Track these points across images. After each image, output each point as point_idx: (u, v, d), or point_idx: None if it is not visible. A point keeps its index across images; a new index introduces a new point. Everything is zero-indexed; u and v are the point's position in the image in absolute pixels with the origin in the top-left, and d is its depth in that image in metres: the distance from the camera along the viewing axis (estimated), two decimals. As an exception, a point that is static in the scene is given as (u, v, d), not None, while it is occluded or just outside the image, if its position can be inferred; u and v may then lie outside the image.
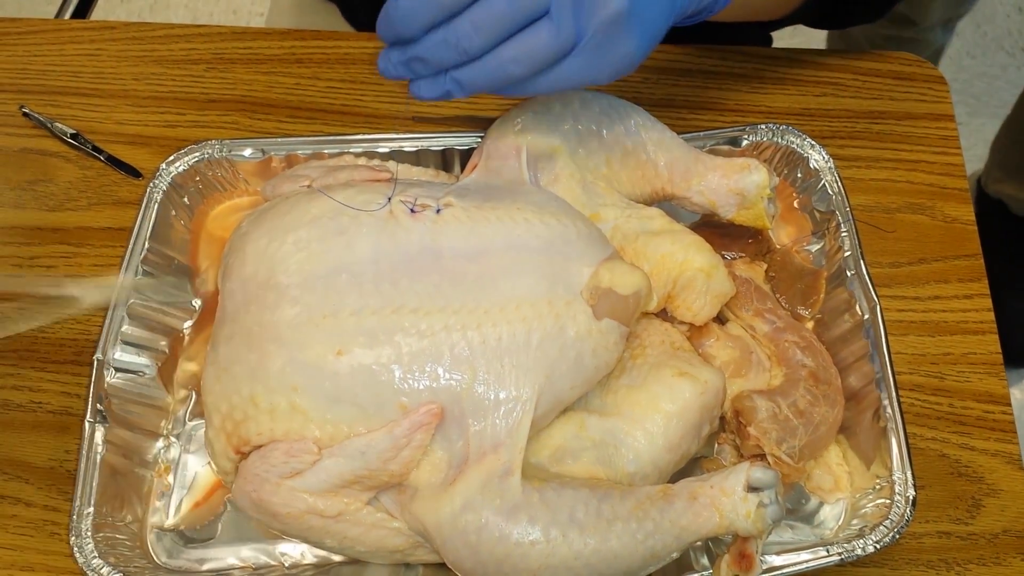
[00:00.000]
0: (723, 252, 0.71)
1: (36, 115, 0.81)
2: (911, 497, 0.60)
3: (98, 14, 1.12)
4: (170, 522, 0.65)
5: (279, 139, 0.73)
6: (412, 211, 0.60)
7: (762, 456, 0.63)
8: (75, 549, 0.60)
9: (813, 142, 0.73)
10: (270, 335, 0.58)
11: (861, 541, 0.60)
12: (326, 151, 0.72)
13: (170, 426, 0.68)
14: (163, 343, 0.69)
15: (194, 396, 0.69)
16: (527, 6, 0.51)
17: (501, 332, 0.57)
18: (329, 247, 0.59)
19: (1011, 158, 1.41)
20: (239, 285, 0.60)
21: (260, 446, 0.57)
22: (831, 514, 0.65)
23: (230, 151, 0.72)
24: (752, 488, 0.56)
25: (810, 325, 0.70)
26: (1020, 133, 1.39)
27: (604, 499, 0.55)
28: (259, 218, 0.63)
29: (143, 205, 0.70)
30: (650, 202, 0.70)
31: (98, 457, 0.62)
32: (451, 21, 0.52)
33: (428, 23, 0.52)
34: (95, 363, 0.65)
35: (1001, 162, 1.44)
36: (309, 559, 0.64)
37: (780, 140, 0.73)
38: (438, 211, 0.61)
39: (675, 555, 0.56)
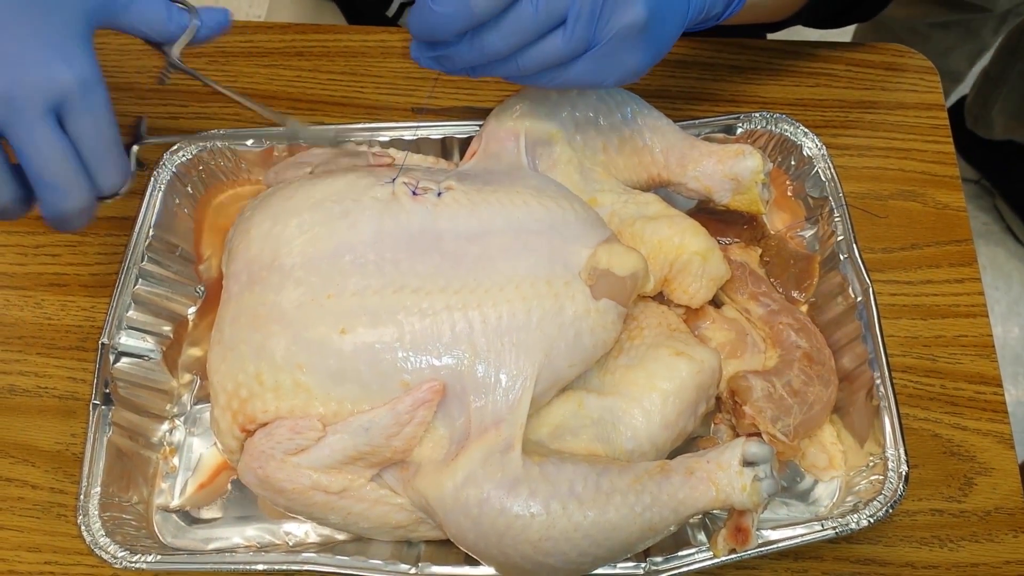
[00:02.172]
0: (719, 237, 0.72)
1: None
2: (904, 473, 0.61)
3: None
4: (175, 503, 0.66)
5: (281, 128, 0.74)
6: (414, 194, 0.62)
7: (758, 435, 0.64)
8: (82, 528, 0.61)
9: (806, 130, 0.74)
10: (275, 315, 0.59)
11: (855, 516, 0.61)
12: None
13: (175, 409, 0.69)
14: (167, 328, 0.70)
15: (198, 380, 0.70)
16: (549, 20, 0.54)
17: (501, 311, 0.58)
18: (332, 229, 0.60)
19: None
20: (244, 267, 0.61)
21: (265, 424, 0.58)
22: (825, 491, 0.66)
23: (232, 140, 0.73)
24: (747, 462, 0.57)
25: (804, 308, 0.72)
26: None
27: (603, 473, 0.56)
28: (263, 202, 0.64)
29: (147, 194, 0.71)
30: (647, 188, 0.71)
31: (104, 439, 0.63)
32: (480, 30, 0.55)
33: (460, 30, 0.55)
34: (101, 347, 0.66)
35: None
36: (313, 538, 0.65)
37: (774, 128, 0.74)
38: (439, 194, 0.62)
39: (672, 528, 0.57)
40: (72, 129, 0.53)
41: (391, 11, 0.96)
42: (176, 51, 0.59)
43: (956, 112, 1.63)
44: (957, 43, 1.48)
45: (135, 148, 0.60)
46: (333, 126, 0.71)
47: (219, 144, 0.73)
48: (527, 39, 0.55)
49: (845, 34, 1.61)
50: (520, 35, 0.54)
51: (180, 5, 0.58)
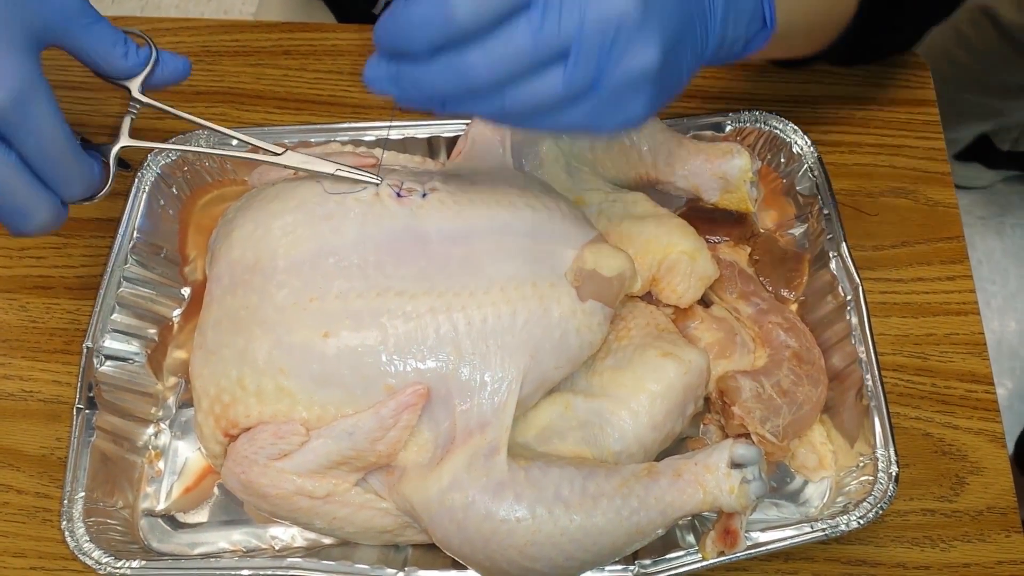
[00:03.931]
0: (707, 236, 0.71)
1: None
2: (894, 474, 0.61)
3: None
4: (161, 507, 0.66)
5: (266, 128, 0.73)
6: (398, 195, 0.61)
7: (747, 435, 0.64)
8: (66, 534, 0.60)
9: (796, 127, 0.73)
10: (257, 318, 0.58)
11: (845, 517, 0.60)
12: (312, 140, 0.73)
13: (160, 413, 0.69)
14: (152, 331, 0.70)
15: (183, 383, 0.70)
16: (550, 50, 0.45)
17: (486, 314, 0.58)
18: (315, 232, 0.60)
19: None
20: (226, 270, 0.61)
21: (248, 428, 0.58)
22: (815, 492, 0.65)
23: (218, 141, 0.73)
24: (736, 464, 0.56)
25: (794, 307, 0.71)
26: None
27: (589, 477, 0.56)
28: (246, 204, 0.64)
29: (131, 195, 0.71)
30: (634, 187, 0.71)
31: (89, 443, 0.63)
32: (461, 48, 0.45)
33: (436, 43, 0.45)
34: (85, 351, 0.65)
35: None
36: (299, 542, 0.65)
37: (763, 126, 0.74)
38: (424, 195, 0.61)
39: (660, 531, 0.56)
40: (18, 145, 0.51)
41: (377, 9, 0.96)
42: (137, 86, 0.57)
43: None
44: None
45: (115, 150, 0.59)
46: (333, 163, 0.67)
47: (204, 143, 0.73)
48: (519, 70, 0.45)
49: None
50: (511, 63, 0.45)
51: (138, 41, 0.57)
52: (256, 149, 0.62)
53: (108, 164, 0.59)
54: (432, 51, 0.45)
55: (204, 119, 0.81)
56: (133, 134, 0.60)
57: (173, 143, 0.72)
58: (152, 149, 0.71)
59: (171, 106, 0.59)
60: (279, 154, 0.61)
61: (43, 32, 0.52)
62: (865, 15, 0.68)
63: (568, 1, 0.44)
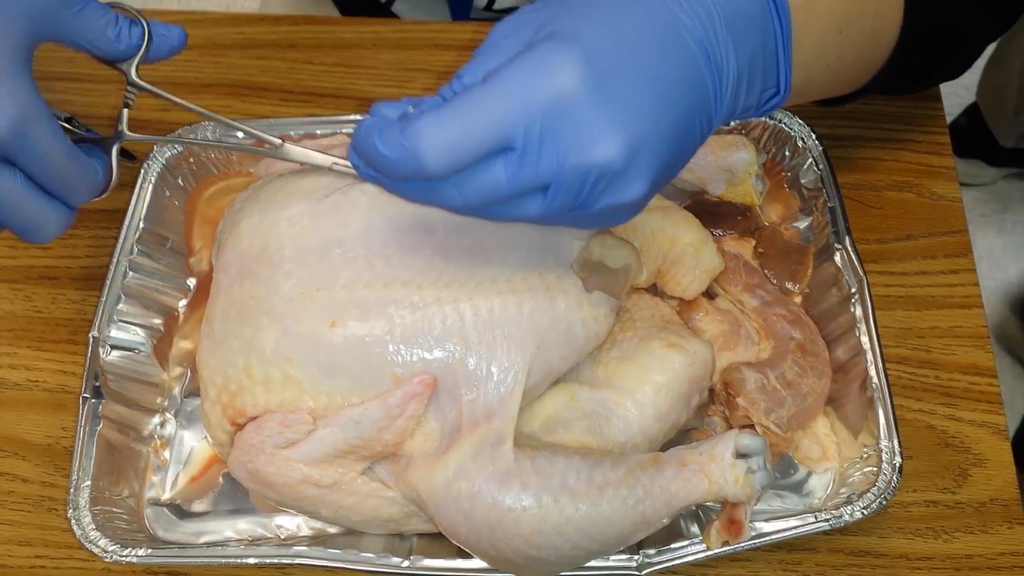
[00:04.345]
0: (712, 228, 0.71)
1: (31, 99, 0.81)
2: (897, 465, 0.61)
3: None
4: (166, 496, 0.66)
5: (272, 120, 0.73)
6: (404, 186, 0.61)
7: (751, 427, 0.64)
8: (73, 522, 0.61)
9: (801, 122, 0.74)
10: (264, 308, 0.58)
11: (849, 508, 0.60)
12: (318, 131, 0.73)
13: (166, 403, 0.69)
14: (158, 321, 0.70)
15: (189, 373, 0.70)
16: (526, 189, 0.45)
17: (493, 304, 0.58)
18: (322, 222, 0.60)
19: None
20: (234, 260, 0.61)
21: (255, 417, 0.58)
22: (819, 483, 0.66)
23: (224, 132, 0.73)
24: (740, 454, 0.56)
25: (798, 299, 0.71)
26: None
27: (595, 466, 0.56)
28: (253, 195, 0.64)
29: (137, 186, 0.71)
30: (640, 179, 0.71)
31: (95, 432, 0.63)
32: (435, 184, 0.45)
33: (406, 178, 0.45)
34: (91, 340, 0.65)
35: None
36: (305, 531, 0.65)
37: (768, 119, 0.74)
38: (430, 186, 0.61)
39: (665, 521, 0.57)
40: (22, 166, 0.51)
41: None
42: (133, 70, 0.57)
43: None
44: None
45: (116, 146, 0.58)
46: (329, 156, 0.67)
47: (210, 136, 0.73)
48: (494, 202, 0.45)
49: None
50: (485, 199, 0.45)
51: (130, 16, 0.56)
52: (259, 143, 0.61)
53: (111, 161, 0.58)
54: (404, 179, 0.46)
55: (210, 111, 0.81)
56: (135, 126, 0.60)
57: (176, 135, 0.72)
58: (154, 142, 0.71)
59: (170, 94, 0.59)
60: (278, 146, 0.61)
61: (33, 32, 0.52)
62: (904, 54, 0.62)
63: (547, 148, 0.43)
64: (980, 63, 1.65)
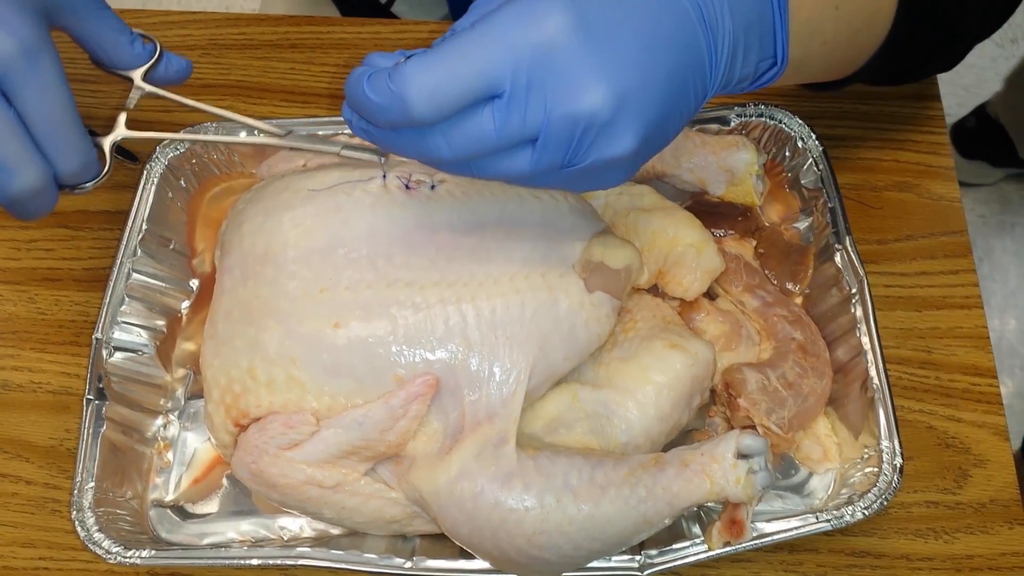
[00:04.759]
0: (713, 229, 0.71)
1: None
2: (898, 465, 0.61)
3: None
4: (170, 498, 0.66)
5: (274, 120, 0.73)
6: (407, 187, 0.61)
7: (752, 427, 0.64)
8: (76, 524, 0.61)
9: (801, 122, 0.74)
10: (268, 309, 0.58)
11: (850, 508, 0.61)
12: (320, 132, 0.73)
13: (169, 404, 0.69)
14: (161, 323, 0.70)
15: (192, 375, 0.70)
16: (515, 140, 0.44)
17: (495, 305, 0.58)
18: (325, 223, 0.60)
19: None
20: (237, 261, 0.61)
21: (259, 418, 0.58)
22: (820, 484, 0.66)
23: (227, 131, 0.73)
24: (742, 455, 0.57)
25: (799, 300, 0.71)
26: None
27: (597, 466, 0.56)
28: (256, 196, 0.64)
29: (140, 187, 0.71)
30: (641, 179, 0.71)
31: (99, 434, 0.63)
32: (423, 131, 0.45)
33: (396, 125, 0.45)
34: (95, 342, 0.65)
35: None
36: (308, 532, 0.65)
37: (768, 120, 0.74)
38: (432, 187, 0.62)
39: (667, 521, 0.57)
40: (18, 102, 0.49)
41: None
42: (139, 75, 0.57)
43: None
44: None
45: (111, 139, 0.58)
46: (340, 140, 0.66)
47: (212, 136, 0.73)
48: (483, 153, 0.45)
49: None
50: (474, 148, 0.44)
51: (144, 39, 0.57)
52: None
53: (105, 154, 0.58)
54: (394, 129, 0.45)
55: (210, 113, 0.82)
56: (138, 127, 0.60)
57: (180, 137, 0.72)
58: (153, 140, 0.71)
59: (177, 95, 0.59)
60: (283, 135, 0.61)
61: (53, 8, 0.52)
62: (898, 38, 0.63)
63: (534, 96, 0.43)
64: (994, 79, 1.66)
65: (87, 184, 0.55)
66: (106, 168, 0.58)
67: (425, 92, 0.42)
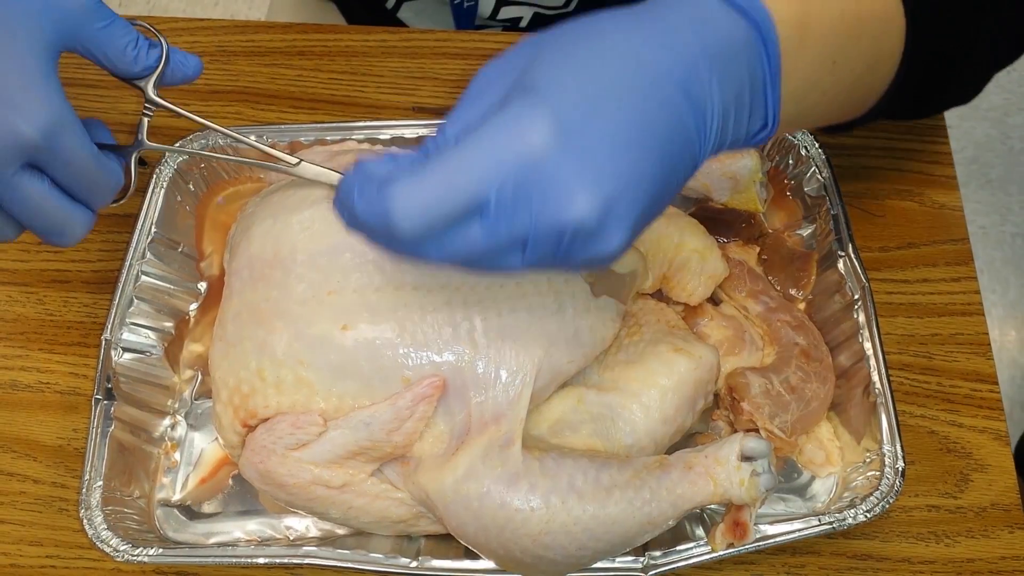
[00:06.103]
0: (717, 235, 0.72)
1: (43, 105, 0.82)
2: (900, 469, 0.62)
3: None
4: (177, 498, 0.67)
5: (282, 126, 0.74)
6: (414, 191, 0.62)
7: (755, 431, 0.64)
8: (84, 522, 0.61)
9: (805, 130, 0.75)
10: (277, 311, 0.59)
11: (852, 511, 0.61)
12: (328, 137, 0.74)
13: (176, 405, 0.70)
14: (169, 325, 0.71)
15: (199, 376, 0.71)
16: (504, 245, 0.44)
17: (501, 308, 0.59)
18: (333, 226, 0.61)
19: None
20: (246, 264, 0.62)
21: (267, 419, 0.59)
22: (823, 487, 0.66)
23: (234, 141, 0.74)
24: (745, 457, 0.57)
25: (802, 306, 0.72)
26: None
27: (603, 468, 0.57)
28: (264, 200, 0.65)
29: (149, 191, 0.72)
30: (645, 186, 0.72)
31: (107, 433, 0.64)
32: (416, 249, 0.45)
33: (385, 241, 0.45)
34: (103, 342, 0.66)
35: None
36: (314, 532, 0.65)
37: (772, 128, 0.75)
38: (440, 191, 0.62)
39: (671, 522, 0.57)
40: (50, 173, 0.53)
41: (390, 2, 0.97)
42: (150, 87, 0.58)
43: None
44: None
45: (135, 154, 0.59)
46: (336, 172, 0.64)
47: (220, 141, 0.74)
48: (472, 259, 0.45)
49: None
50: (462, 256, 0.45)
51: (149, 35, 0.58)
52: (274, 160, 0.62)
53: (129, 167, 0.59)
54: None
55: (219, 118, 0.83)
56: (151, 132, 0.60)
57: (190, 140, 0.73)
58: (172, 152, 0.72)
59: (185, 107, 0.60)
60: (293, 164, 0.61)
61: (61, 41, 0.53)
62: (907, 77, 0.60)
63: (520, 208, 0.43)
64: (995, 90, 1.65)
65: (118, 201, 0.58)
66: (132, 181, 0.60)
67: (413, 213, 0.43)
